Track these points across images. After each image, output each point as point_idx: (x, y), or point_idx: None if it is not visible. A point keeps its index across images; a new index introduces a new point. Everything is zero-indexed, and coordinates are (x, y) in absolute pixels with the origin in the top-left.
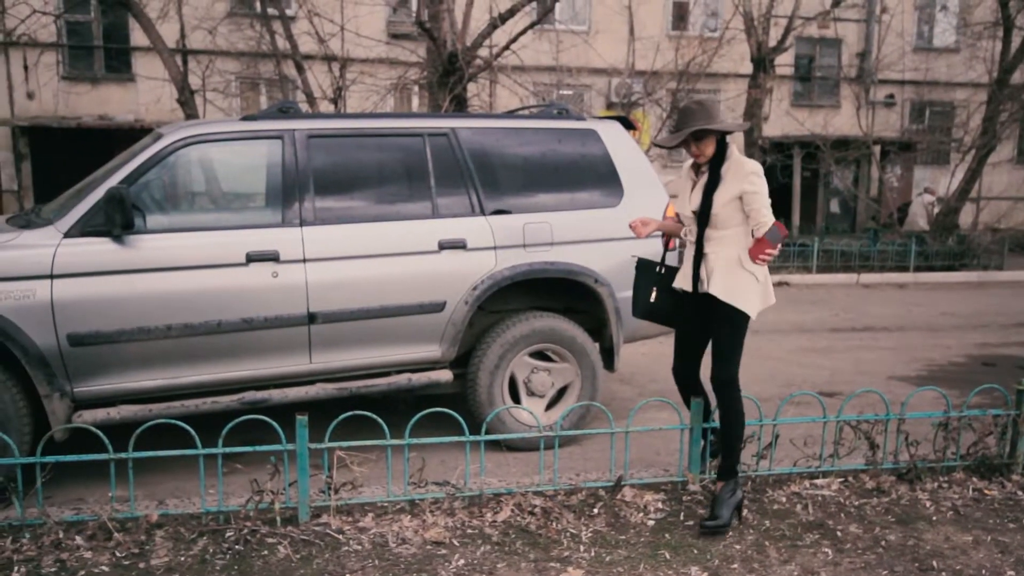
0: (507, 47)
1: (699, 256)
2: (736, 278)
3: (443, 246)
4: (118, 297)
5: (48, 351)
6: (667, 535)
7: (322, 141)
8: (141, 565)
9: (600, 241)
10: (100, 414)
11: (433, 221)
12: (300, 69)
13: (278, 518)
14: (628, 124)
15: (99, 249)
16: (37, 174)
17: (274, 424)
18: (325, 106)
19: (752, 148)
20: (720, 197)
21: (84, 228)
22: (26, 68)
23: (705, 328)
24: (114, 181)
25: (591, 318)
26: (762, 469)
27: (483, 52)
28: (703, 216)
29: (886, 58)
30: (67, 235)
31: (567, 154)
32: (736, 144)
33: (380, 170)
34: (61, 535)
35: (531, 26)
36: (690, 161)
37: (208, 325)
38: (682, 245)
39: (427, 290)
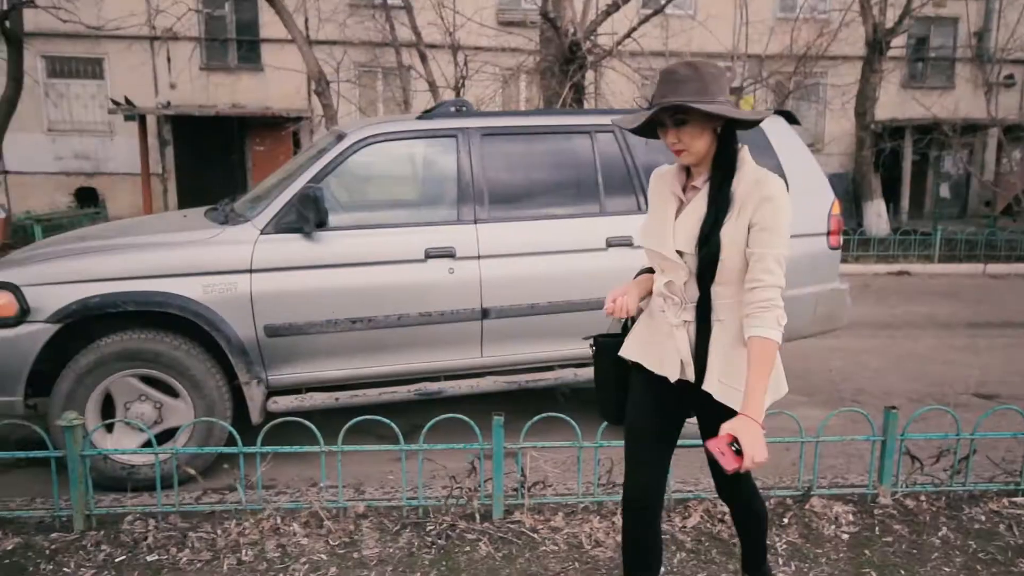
0: (628, 35)
1: (699, 326)
2: (736, 367)
3: (611, 243)
4: (308, 291)
5: (247, 341)
6: (867, 551)
7: (495, 138)
8: (355, 555)
9: None
10: (292, 401)
11: (601, 219)
12: (423, 58)
13: (476, 514)
14: (792, 119)
15: (292, 246)
16: (178, 158)
17: (470, 423)
18: (448, 94)
19: (864, 132)
20: (731, 232)
21: (278, 225)
22: (169, 61)
23: (676, 425)
24: (304, 180)
25: None
26: (955, 484)
27: (600, 39)
28: (704, 262)
29: (1007, 38)
30: (263, 232)
31: None
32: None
33: (550, 167)
34: (279, 521)
35: (656, 12)
36: (673, 166)
37: (389, 319)
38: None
39: (595, 287)
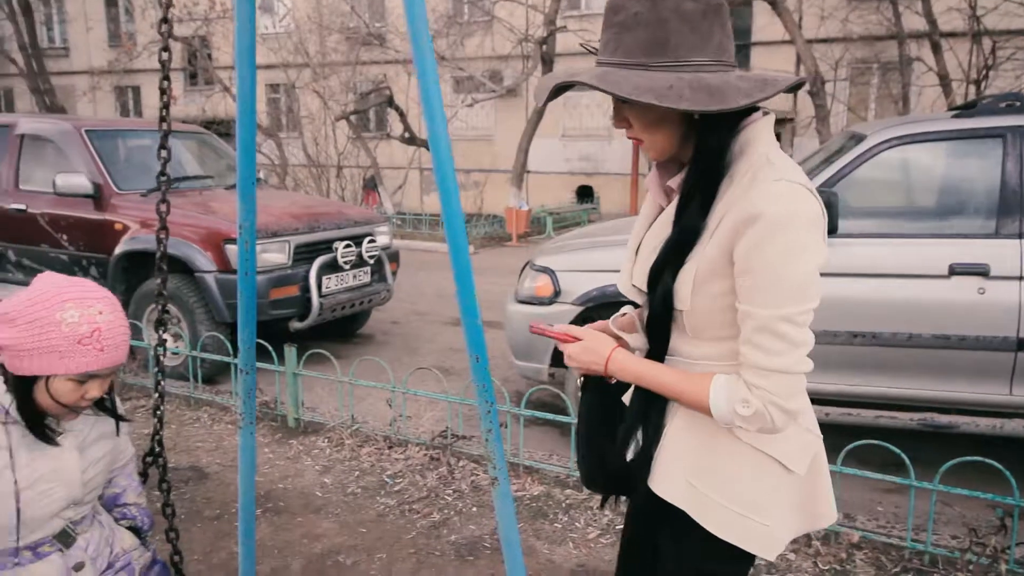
0: None
1: (643, 399)
2: (723, 464)
3: None
4: None
5: None
6: None
7: None
8: None
9: None
10: None
11: None
12: (936, 48)
13: None
14: None
15: None
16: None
17: (1005, 472)
18: (959, 89)
19: None
20: (698, 268)
21: None
22: None
23: (648, 539)
24: (816, 183)
25: None
26: None
27: None
28: (654, 310)
29: None
30: None
31: None
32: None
33: None
34: None
35: None
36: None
37: (897, 337)
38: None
39: None
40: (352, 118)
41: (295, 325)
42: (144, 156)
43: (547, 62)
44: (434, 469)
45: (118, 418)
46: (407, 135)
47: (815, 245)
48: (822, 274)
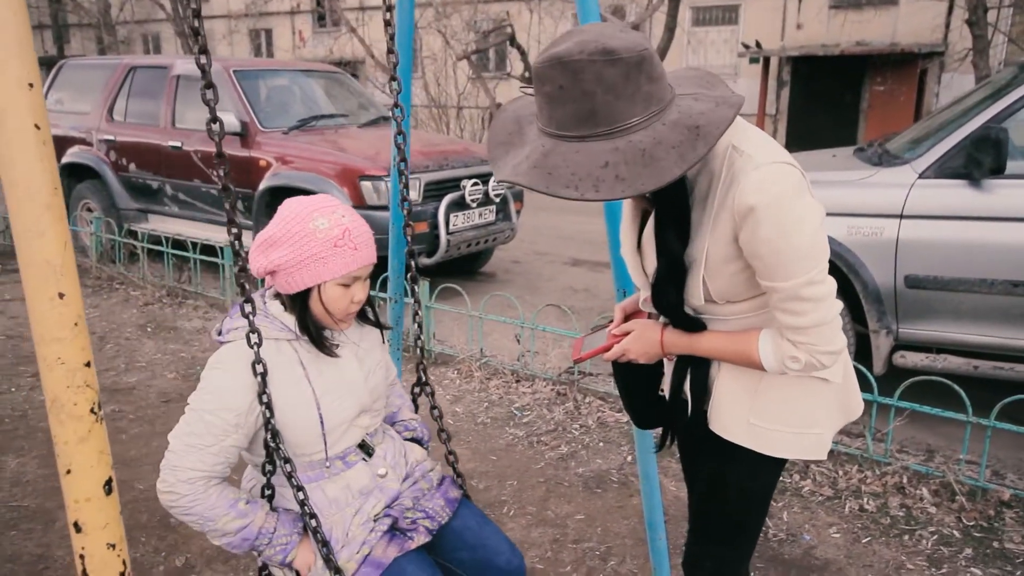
0: None
1: (685, 360)
2: (776, 398)
3: None
4: (964, 245)
5: (884, 289)
6: None
7: None
8: (994, 544)
9: None
10: (922, 359)
11: None
12: None
13: None
14: None
15: (953, 192)
16: (792, 99)
17: None
18: None
19: None
20: (699, 273)
21: (941, 169)
22: (800, 1)
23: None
24: (981, 120)
25: None
26: None
27: None
28: (675, 317)
29: None
30: (922, 175)
31: None
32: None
33: None
34: (904, 480)
35: None
36: None
37: None
38: None
39: None
40: (473, 58)
41: (423, 261)
42: (283, 95)
43: None
44: (561, 404)
45: (380, 326)
46: (528, 74)
47: (808, 210)
48: (981, 219)
